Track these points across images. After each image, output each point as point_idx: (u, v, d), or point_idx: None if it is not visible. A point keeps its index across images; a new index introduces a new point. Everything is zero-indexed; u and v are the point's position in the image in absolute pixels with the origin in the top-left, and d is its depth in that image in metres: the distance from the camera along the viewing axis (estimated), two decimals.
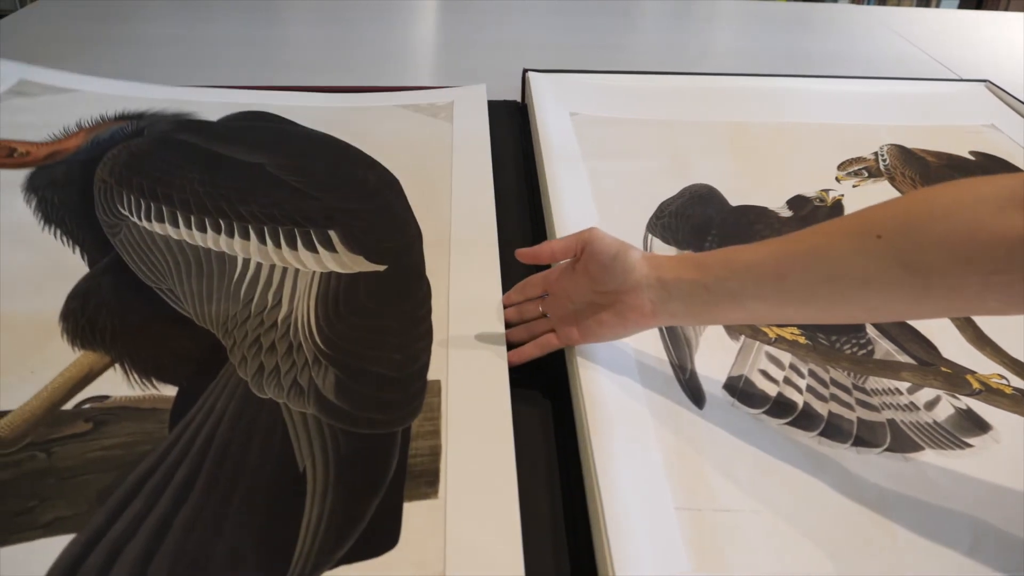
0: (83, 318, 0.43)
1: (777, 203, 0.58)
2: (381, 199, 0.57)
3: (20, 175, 0.54)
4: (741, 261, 0.35)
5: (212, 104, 0.69)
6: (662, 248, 0.52)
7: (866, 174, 0.63)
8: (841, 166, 0.64)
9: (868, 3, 1.92)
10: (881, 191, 0.61)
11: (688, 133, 0.67)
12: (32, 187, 0.53)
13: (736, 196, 0.58)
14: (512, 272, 0.50)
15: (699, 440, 0.37)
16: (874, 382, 0.43)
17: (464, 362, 0.42)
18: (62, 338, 0.41)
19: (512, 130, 0.71)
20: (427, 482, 0.35)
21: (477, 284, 0.47)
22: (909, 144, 0.67)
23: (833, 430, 0.39)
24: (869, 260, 0.31)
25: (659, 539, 0.31)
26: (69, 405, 0.37)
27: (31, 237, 0.48)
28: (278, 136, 0.65)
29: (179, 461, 0.35)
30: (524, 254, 0.42)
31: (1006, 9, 1.93)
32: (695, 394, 0.40)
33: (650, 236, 0.53)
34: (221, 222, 0.52)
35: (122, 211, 0.52)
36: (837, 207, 0.58)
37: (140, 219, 0.51)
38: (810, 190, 0.60)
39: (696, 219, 0.55)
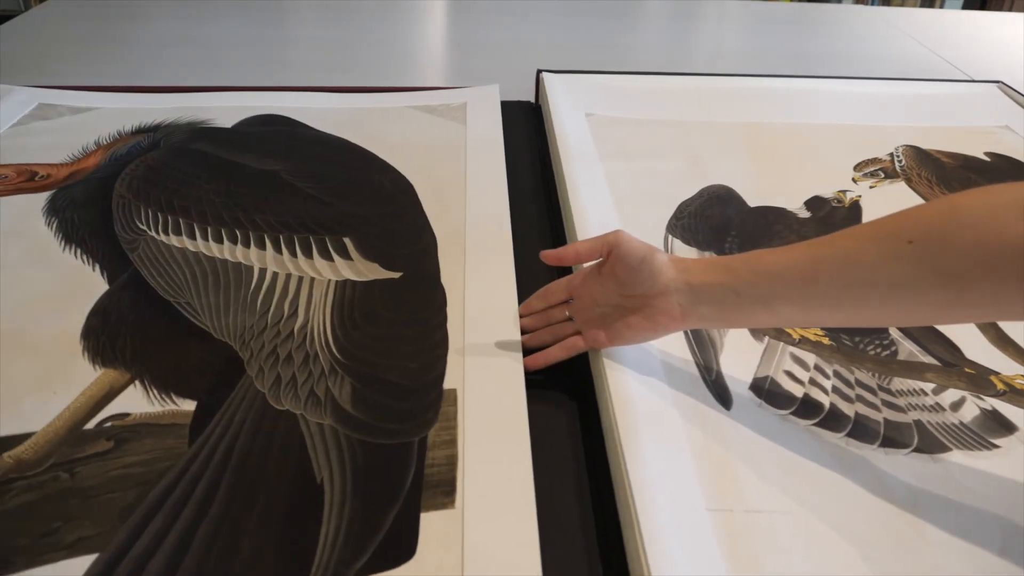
0: (104, 336, 0.43)
1: (794, 204, 0.58)
2: (396, 205, 0.57)
3: (42, 198, 0.55)
4: (770, 265, 0.35)
5: (225, 108, 0.70)
6: (683, 249, 0.52)
7: (882, 175, 0.63)
8: (857, 167, 0.64)
9: (872, 3, 1.88)
10: (898, 192, 0.61)
11: (703, 134, 0.67)
12: (53, 209, 0.54)
13: (753, 197, 0.58)
14: (528, 274, 0.50)
15: (728, 441, 0.37)
16: (899, 383, 0.42)
17: (480, 370, 0.41)
18: (84, 356, 0.42)
19: (526, 130, 0.70)
20: (444, 492, 0.35)
21: (492, 291, 0.47)
22: (923, 145, 0.67)
23: (860, 431, 0.38)
24: (900, 266, 0.31)
25: (693, 540, 0.32)
26: (91, 424, 0.38)
27: (52, 258, 0.49)
28: (291, 141, 0.66)
29: (199, 476, 0.35)
30: (549, 256, 0.42)
31: (1010, 9, 1.88)
32: (722, 395, 0.40)
33: (670, 237, 0.53)
34: (237, 232, 0.53)
35: (140, 226, 0.53)
36: (855, 208, 0.58)
37: (158, 233, 0.52)
38: (827, 191, 0.60)
39: (715, 220, 0.55)
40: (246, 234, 0.52)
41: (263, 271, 0.49)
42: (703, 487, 0.34)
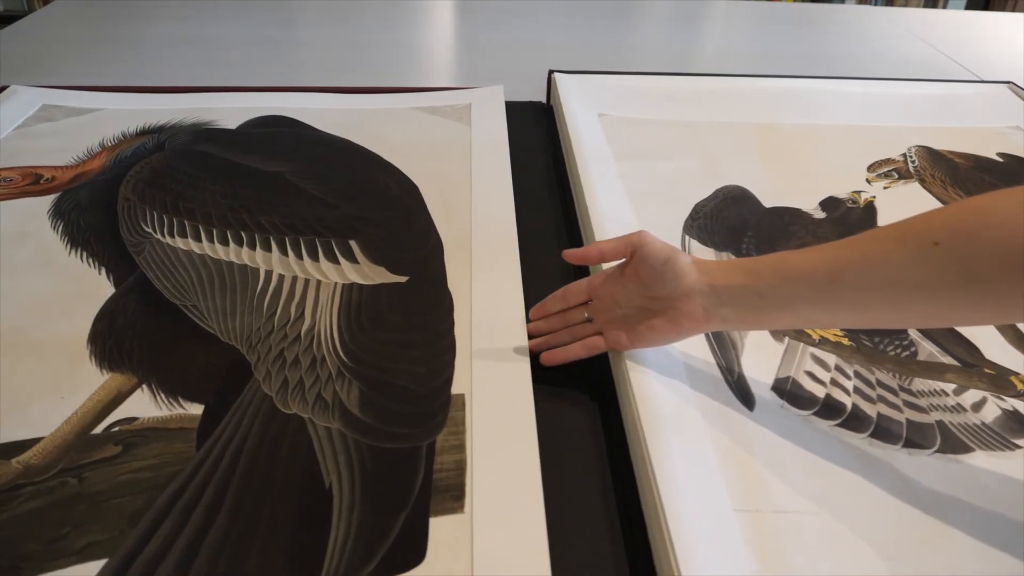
0: (110, 340, 0.44)
1: (809, 205, 0.58)
2: (401, 207, 0.57)
3: (47, 201, 0.56)
4: (794, 267, 0.35)
5: (229, 110, 0.70)
6: (700, 250, 0.52)
7: (896, 176, 0.63)
8: (871, 167, 0.64)
9: (876, 3, 1.87)
10: (911, 193, 0.61)
11: (716, 134, 0.68)
12: (58, 212, 0.55)
13: (767, 197, 0.59)
14: (540, 275, 0.50)
15: (751, 442, 0.38)
16: (920, 383, 0.42)
17: (488, 376, 0.42)
18: (91, 361, 0.42)
19: (538, 131, 0.71)
20: (453, 496, 0.36)
21: (499, 296, 0.48)
22: (935, 146, 0.68)
23: (883, 432, 0.39)
24: (926, 268, 0.31)
25: (721, 541, 0.32)
26: (99, 429, 0.38)
27: (59, 261, 0.50)
28: (296, 143, 0.66)
29: (207, 481, 0.36)
30: (572, 255, 0.43)
31: (1013, 9, 1.87)
32: (745, 396, 0.40)
33: (687, 238, 0.53)
34: (243, 234, 0.53)
35: (146, 228, 0.53)
36: (870, 208, 0.58)
37: (163, 235, 0.53)
38: (841, 191, 0.60)
39: (731, 220, 0.56)
40: (252, 236, 0.53)
41: (269, 273, 0.50)
42: (729, 488, 0.35)
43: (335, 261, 0.51)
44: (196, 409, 0.40)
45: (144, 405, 0.40)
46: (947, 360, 0.44)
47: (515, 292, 0.48)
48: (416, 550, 0.33)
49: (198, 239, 0.53)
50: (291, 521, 0.34)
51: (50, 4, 1.04)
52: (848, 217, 0.57)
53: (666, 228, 0.54)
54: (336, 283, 0.49)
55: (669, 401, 0.38)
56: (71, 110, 0.69)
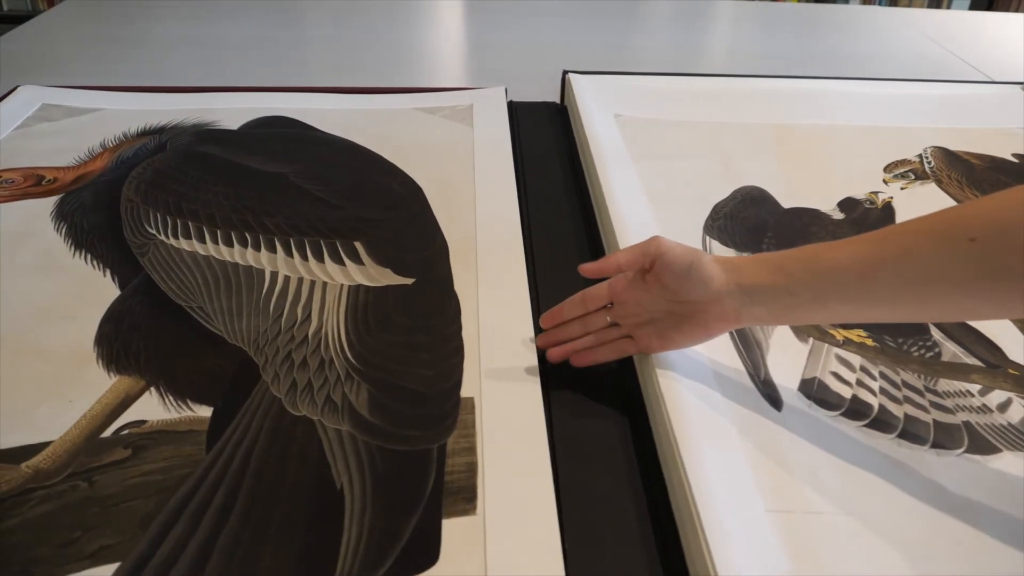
0: (117, 342, 0.44)
1: (826, 205, 0.59)
2: (405, 209, 0.58)
3: (50, 203, 0.56)
4: (825, 264, 0.36)
5: (231, 110, 0.71)
6: (720, 250, 0.53)
7: (912, 176, 0.64)
8: (887, 168, 0.65)
9: (880, 3, 1.89)
10: (929, 193, 0.62)
11: (732, 134, 0.69)
12: (61, 214, 0.56)
13: (784, 198, 0.60)
14: (554, 276, 0.51)
15: (781, 443, 0.38)
16: (945, 384, 0.43)
17: (497, 378, 0.43)
18: (98, 364, 0.43)
19: (553, 131, 0.72)
20: (465, 498, 0.36)
21: (506, 299, 0.48)
22: (949, 146, 0.69)
23: (910, 433, 0.39)
24: (962, 263, 0.32)
25: (755, 541, 0.33)
26: (108, 432, 0.39)
27: (62, 263, 0.51)
28: (298, 143, 0.67)
29: (217, 483, 0.36)
30: (589, 270, 0.43)
31: (1016, 9, 1.89)
32: (772, 397, 0.41)
33: (708, 238, 0.54)
34: (247, 235, 0.54)
35: (149, 230, 0.54)
36: (887, 209, 0.59)
37: (167, 236, 0.53)
38: (857, 192, 0.61)
39: (750, 221, 0.56)
40: (256, 237, 0.54)
41: (274, 275, 0.50)
42: (760, 489, 0.35)
43: (340, 262, 0.52)
44: (205, 411, 0.40)
45: (153, 408, 0.40)
46: (971, 361, 0.44)
47: (522, 295, 0.49)
48: (429, 552, 0.34)
49: (202, 240, 0.53)
50: (303, 523, 0.35)
51: (57, 5, 1.05)
52: (866, 218, 0.58)
53: (686, 229, 0.55)
54: (342, 284, 0.50)
55: (698, 403, 0.39)
56: (71, 110, 0.70)
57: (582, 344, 0.43)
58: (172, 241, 0.53)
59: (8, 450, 0.38)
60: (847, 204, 0.59)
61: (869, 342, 0.45)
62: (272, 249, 0.52)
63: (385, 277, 0.50)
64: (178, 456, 0.38)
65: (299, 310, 0.47)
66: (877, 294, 0.34)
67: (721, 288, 0.37)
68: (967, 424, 0.40)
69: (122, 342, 0.45)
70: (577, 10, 1.14)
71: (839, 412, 0.40)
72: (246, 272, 0.50)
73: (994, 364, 0.44)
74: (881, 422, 0.40)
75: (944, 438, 0.39)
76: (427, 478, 0.37)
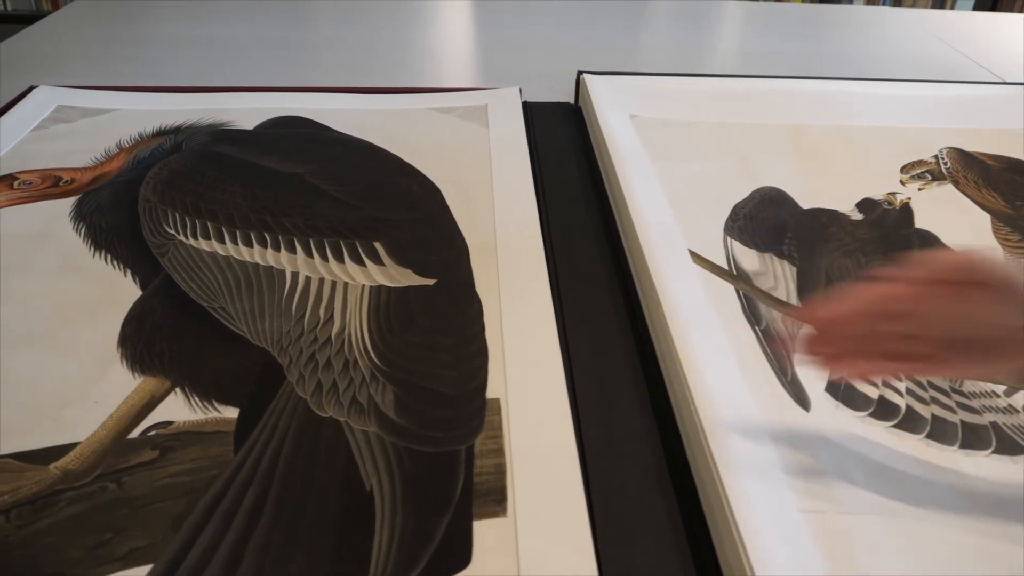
0: (140, 343, 0.44)
1: (844, 205, 0.59)
2: (424, 209, 0.58)
3: (68, 204, 0.56)
4: None
5: (245, 110, 0.71)
6: (742, 251, 0.53)
7: (929, 177, 0.64)
8: (904, 169, 0.65)
9: (883, 3, 1.89)
10: (946, 194, 0.62)
11: (749, 135, 0.69)
12: (80, 214, 0.56)
13: (802, 199, 0.60)
14: (574, 277, 0.51)
15: (810, 443, 0.38)
16: (970, 385, 0.43)
17: (522, 380, 0.42)
18: (122, 364, 0.43)
19: (568, 131, 0.72)
20: (495, 500, 0.36)
21: (528, 300, 0.48)
22: (964, 147, 0.69)
23: (939, 433, 0.39)
24: None
25: (791, 541, 0.33)
26: (135, 433, 0.39)
27: (83, 264, 0.51)
28: (314, 144, 0.67)
29: (247, 484, 0.36)
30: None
31: (1021, 10, 1.89)
32: (800, 397, 0.41)
33: (729, 239, 0.54)
34: (266, 236, 0.54)
35: (168, 230, 0.54)
36: (906, 210, 0.59)
37: (187, 237, 0.53)
38: (874, 193, 0.61)
39: (770, 222, 0.56)
40: (275, 238, 0.53)
41: (295, 275, 0.50)
42: (792, 488, 0.35)
43: (361, 263, 0.52)
44: (231, 412, 0.40)
45: (178, 408, 0.40)
46: None
47: (544, 296, 0.49)
48: (461, 554, 0.34)
49: (221, 241, 0.53)
50: (334, 525, 0.35)
51: (67, 6, 1.05)
52: (885, 218, 0.58)
53: (708, 228, 0.55)
54: (363, 285, 0.50)
55: (727, 403, 0.39)
56: (86, 111, 0.70)
57: (865, 350, 0.36)
58: (191, 241, 0.53)
59: (35, 451, 0.38)
60: (865, 205, 0.59)
61: None
62: (292, 250, 0.52)
63: (406, 278, 0.50)
64: (206, 457, 0.38)
65: (321, 311, 0.47)
66: None
67: None
68: (994, 425, 0.40)
69: (145, 343, 0.45)
70: (582, 10, 1.14)
71: (867, 412, 0.40)
72: (267, 272, 0.50)
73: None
74: (910, 422, 0.40)
75: (972, 439, 0.39)
76: (456, 480, 0.37)
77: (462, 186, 0.61)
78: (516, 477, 0.37)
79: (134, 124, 0.68)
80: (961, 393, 0.42)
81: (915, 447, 0.39)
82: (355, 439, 0.39)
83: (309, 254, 0.52)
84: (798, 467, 0.37)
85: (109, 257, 0.52)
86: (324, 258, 0.52)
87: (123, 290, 0.49)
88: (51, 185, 0.59)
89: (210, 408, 0.41)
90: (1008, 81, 0.89)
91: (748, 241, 0.54)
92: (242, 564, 0.33)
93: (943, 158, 0.67)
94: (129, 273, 0.50)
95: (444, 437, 0.39)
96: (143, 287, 0.49)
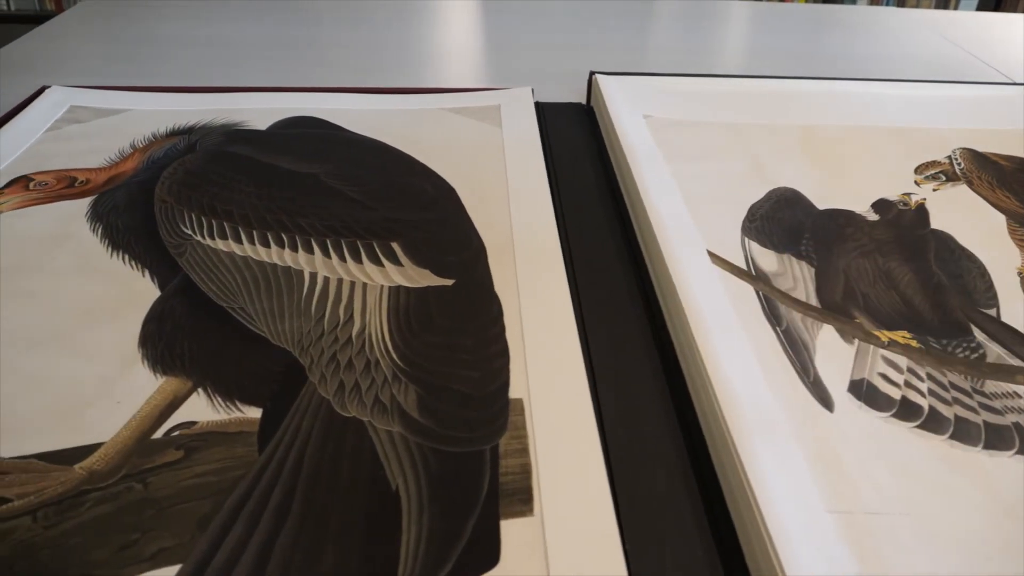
0: (161, 343, 0.44)
1: (860, 206, 0.59)
2: (440, 210, 0.58)
3: (84, 204, 0.56)
4: None
5: (257, 110, 0.71)
6: (760, 252, 0.53)
7: (943, 178, 0.64)
8: (918, 169, 0.65)
9: (887, 3, 1.90)
10: (960, 195, 0.62)
11: (762, 136, 0.69)
12: (96, 215, 0.56)
13: (817, 199, 0.60)
14: (591, 278, 0.51)
15: (835, 443, 0.38)
16: (992, 386, 0.43)
17: (545, 380, 0.42)
18: (143, 365, 0.43)
19: (581, 132, 0.72)
20: (521, 500, 0.36)
21: (548, 301, 0.48)
22: (976, 147, 0.69)
23: (962, 433, 0.39)
24: None
25: (820, 542, 0.33)
26: (158, 433, 0.39)
27: (101, 264, 0.51)
28: (328, 144, 0.67)
29: (272, 485, 0.36)
30: None
31: None
32: (823, 397, 0.41)
33: (746, 239, 0.54)
34: (283, 236, 0.54)
35: (185, 230, 0.54)
36: (921, 211, 0.59)
37: (203, 237, 0.53)
38: (888, 193, 0.61)
39: (787, 222, 0.57)
40: (292, 238, 0.53)
41: (314, 275, 0.50)
42: (819, 489, 0.35)
43: (379, 263, 0.52)
44: (254, 412, 0.40)
45: (201, 409, 0.40)
46: (1015, 362, 0.44)
47: (563, 296, 0.49)
48: (490, 553, 0.34)
49: (238, 241, 0.53)
50: (361, 524, 0.35)
51: (74, 6, 1.05)
52: (901, 219, 0.58)
53: (725, 229, 0.55)
54: (382, 285, 0.50)
55: (751, 404, 0.39)
56: (99, 111, 0.70)
57: None
58: (209, 242, 0.53)
59: (59, 451, 0.38)
60: (881, 205, 0.59)
61: (914, 343, 0.45)
62: (309, 250, 0.52)
63: (425, 278, 0.50)
64: (231, 457, 0.38)
65: (341, 311, 0.47)
66: None
67: None
68: (1016, 425, 0.40)
69: (166, 343, 0.45)
70: (587, 10, 1.14)
71: (890, 413, 0.40)
72: (285, 273, 0.50)
73: None
74: (933, 423, 0.40)
75: (995, 439, 0.39)
76: (482, 480, 0.37)
77: (477, 186, 0.61)
78: (542, 477, 0.37)
79: (147, 124, 0.68)
80: (983, 393, 0.42)
81: (939, 447, 0.39)
82: (379, 439, 0.39)
83: (327, 254, 0.52)
84: (824, 468, 0.37)
85: (127, 257, 0.52)
86: (342, 258, 0.52)
87: (142, 290, 0.49)
88: (66, 186, 0.59)
89: (233, 408, 0.40)
90: (1018, 81, 0.89)
91: (766, 242, 0.54)
92: (270, 564, 0.33)
93: (956, 159, 0.67)
94: (147, 273, 0.50)
95: (468, 437, 0.39)
96: (162, 287, 0.49)
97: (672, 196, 0.57)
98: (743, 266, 0.51)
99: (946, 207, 0.60)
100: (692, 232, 0.53)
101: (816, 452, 0.38)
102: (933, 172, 0.65)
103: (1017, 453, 0.38)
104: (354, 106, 0.74)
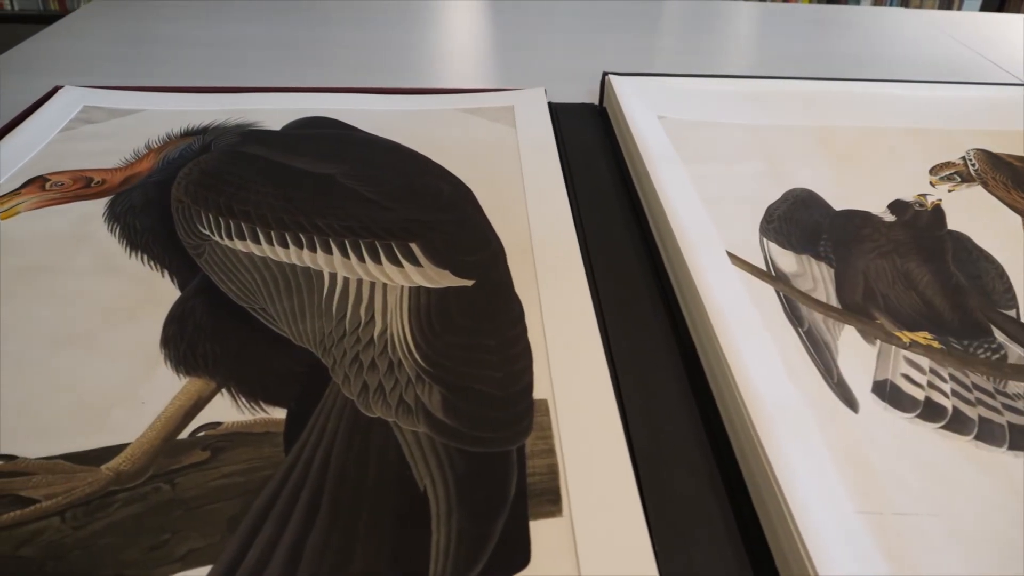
0: (183, 344, 0.44)
1: (876, 207, 0.59)
2: (458, 210, 0.58)
3: (101, 205, 0.56)
4: None
5: (271, 111, 0.71)
6: (779, 252, 0.53)
7: (958, 179, 0.65)
8: (933, 170, 0.65)
9: (891, 4, 1.90)
10: (976, 195, 0.63)
11: (777, 136, 0.69)
12: (113, 215, 0.56)
13: (833, 200, 0.60)
14: (609, 279, 0.52)
15: (861, 444, 0.38)
16: (1014, 386, 0.43)
17: (568, 381, 0.43)
18: (166, 365, 0.43)
19: (594, 132, 0.72)
20: (550, 500, 0.36)
21: (568, 301, 0.48)
22: (990, 148, 0.69)
23: (987, 434, 0.40)
24: None
25: (851, 542, 0.33)
26: (184, 434, 0.39)
27: (120, 265, 0.51)
28: (343, 144, 0.67)
29: (300, 485, 0.36)
30: None
31: None
32: (847, 398, 0.41)
33: (765, 240, 0.54)
34: (301, 236, 0.54)
35: (203, 231, 0.54)
36: (937, 211, 0.60)
37: (221, 237, 0.53)
38: (904, 194, 0.61)
39: (804, 223, 0.57)
40: (311, 238, 0.54)
41: (333, 276, 0.50)
42: (848, 490, 0.35)
43: (398, 264, 0.52)
44: (278, 413, 0.40)
45: (226, 409, 0.40)
46: None
47: (583, 296, 0.49)
48: (521, 553, 0.34)
49: (257, 241, 0.53)
50: (390, 525, 0.35)
51: (84, 6, 1.05)
52: (917, 220, 0.58)
53: (744, 230, 0.55)
54: (402, 286, 0.50)
55: (777, 404, 0.39)
56: (113, 111, 0.70)
57: None
58: (227, 242, 0.53)
59: (86, 452, 0.38)
60: (897, 206, 0.59)
61: (935, 344, 0.46)
62: (328, 250, 0.52)
63: (444, 279, 0.51)
64: (258, 458, 0.38)
65: (362, 311, 0.47)
66: None
67: None
68: None
69: (188, 343, 0.45)
70: (593, 11, 1.14)
71: (915, 414, 0.41)
72: (304, 273, 0.50)
73: None
74: (957, 423, 0.40)
75: (1020, 440, 0.39)
76: (509, 480, 0.37)
77: (493, 187, 0.61)
78: (569, 477, 0.37)
79: (161, 124, 0.68)
80: (1005, 394, 0.42)
81: (964, 448, 0.39)
82: (405, 439, 0.39)
83: (346, 255, 0.52)
84: (851, 469, 0.37)
85: (146, 258, 0.52)
86: (360, 259, 0.52)
87: (162, 290, 0.49)
88: (83, 186, 0.59)
89: (257, 409, 0.41)
90: None
91: (784, 243, 0.54)
92: (301, 564, 0.33)
93: (971, 160, 0.67)
94: (167, 273, 0.50)
95: (494, 438, 0.39)
96: (181, 287, 0.49)
97: (689, 197, 0.57)
98: (763, 267, 0.51)
99: (962, 208, 0.60)
100: (711, 233, 0.53)
101: (843, 453, 0.38)
102: (948, 173, 0.65)
103: None
104: (367, 106, 0.74)
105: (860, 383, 0.42)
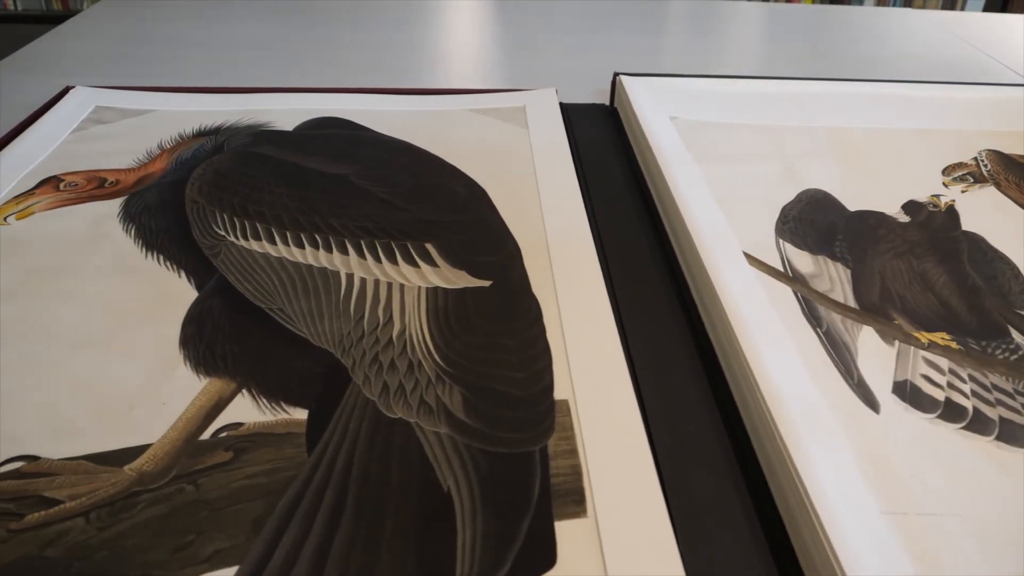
0: (202, 344, 0.44)
1: (890, 208, 0.60)
2: (473, 211, 0.58)
3: (115, 205, 0.56)
4: None
5: (283, 111, 0.71)
6: (795, 253, 0.53)
7: (971, 179, 0.65)
8: (946, 171, 0.66)
9: (894, 4, 1.90)
10: (989, 196, 0.63)
11: (789, 137, 0.70)
12: (128, 215, 0.56)
13: (847, 201, 0.60)
14: (625, 279, 0.52)
15: (883, 445, 0.39)
16: None
17: (588, 380, 0.43)
18: (186, 366, 0.43)
19: (605, 133, 0.72)
20: (574, 500, 0.36)
21: (586, 301, 0.49)
22: (1001, 149, 0.69)
23: (1008, 434, 0.40)
24: None
25: (877, 543, 0.33)
26: (206, 434, 0.39)
27: (136, 265, 0.51)
28: (356, 145, 0.67)
29: (324, 486, 0.36)
30: None
31: None
32: (868, 399, 0.41)
33: (781, 241, 0.54)
34: (317, 237, 0.54)
35: (218, 231, 0.54)
36: (951, 212, 0.60)
37: (237, 238, 0.53)
38: (917, 195, 0.61)
39: (819, 224, 0.57)
40: (326, 239, 0.54)
41: (350, 276, 0.50)
42: (872, 490, 0.35)
43: (414, 264, 0.52)
44: (300, 413, 0.40)
45: (247, 410, 0.40)
46: None
47: (601, 296, 0.49)
48: (546, 554, 0.34)
49: (272, 242, 0.53)
50: (415, 525, 0.35)
51: (95, 5, 1.05)
52: (932, 221, 0.58)
53: (759, 231, 0.55)
54: (419, 287, 0.50)
55: (799, 405, 0.39)
56: (125, 112, 0.70)
57: None
58: (243, 243, 0.53)
59: (108, 453, 0.38)
60: (911, 207, 0.60)
61: (954, 345, 0.46)
62: (344, 251, 0.53)
63: (461, 279, 0.51)
64: (280, 458, 0.38)
65: (380, 312, 0.47)
66: None
67: None
68: None
69: (207, 344, 0.45)
70: (598, 12, 1.14)
71: (936, 414, 0.41)
72: (321, 274, 0.50)
73: None
74: (979, 424, 0.40)
75: None
76: (533, 481, 0.37)
77: (507, 187, 0.61)
78: (593, 478, 0.37)
79: (173, 125, 0.68)
80: None
81: (986, 448, 0.39)
82: (427, 440, 0.39)
83: (362, 255, 0.52)
84: (874, 469, 0.37)
85: (162, 258, 0.52)
86: (377, 259, 0.52)
87: (179, 291, 0.49)
88: (97, 186, 0.59)
89: (279, 409, 0.41)
90: None
91: (800, 243, 0.54)
92: (328, 565, 0.33)
93: (983, 160, 0.68)
94: (183, 274, 0.50)
95: (517, 438, 0.39)
96: (198, 288, 0.49)
97: (704, 198, 0.57)
98: (780, 268, 0.51)
99: (975, 208, 0.60)
100: (727, 234, 0.53)
101: (866, 454, 0.38)
102: (960, 174, 0.66)
103: None
104: (379, 107, 0.74)
105: (880, 384, 0.42)
